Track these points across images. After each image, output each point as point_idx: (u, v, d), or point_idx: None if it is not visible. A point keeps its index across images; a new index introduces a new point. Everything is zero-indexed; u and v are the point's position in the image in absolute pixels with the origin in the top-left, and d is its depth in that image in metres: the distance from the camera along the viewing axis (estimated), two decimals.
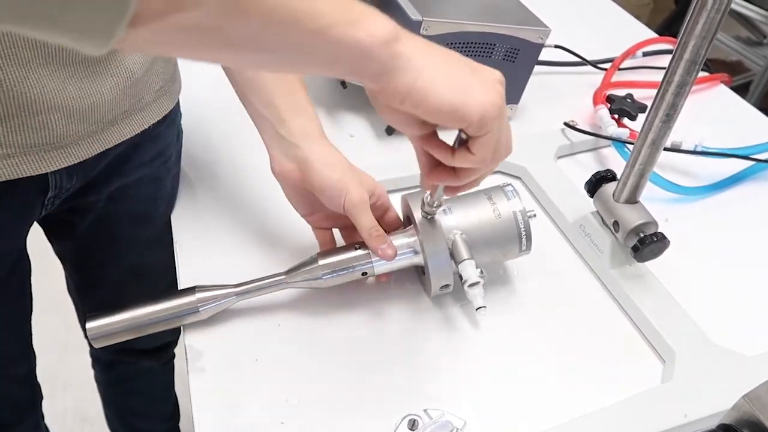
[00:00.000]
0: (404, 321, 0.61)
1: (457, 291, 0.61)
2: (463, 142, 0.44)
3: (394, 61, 0.38)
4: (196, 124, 0.79)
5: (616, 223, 0.62)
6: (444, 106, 0.40)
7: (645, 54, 0.96)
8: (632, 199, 0.62)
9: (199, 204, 0.71)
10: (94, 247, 0.71)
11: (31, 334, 0.69)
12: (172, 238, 0.67)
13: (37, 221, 0.69)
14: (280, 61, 0.37)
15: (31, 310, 0.67)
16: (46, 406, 0.80)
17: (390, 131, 0.83)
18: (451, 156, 0.45)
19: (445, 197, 0.57)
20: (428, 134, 0.45)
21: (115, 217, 0.68)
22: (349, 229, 0.60)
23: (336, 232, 0.63)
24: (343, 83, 0.81)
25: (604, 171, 0.65)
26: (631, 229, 0.60)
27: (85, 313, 0.83)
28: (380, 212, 0.60)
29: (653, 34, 1.08)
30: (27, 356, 0.69)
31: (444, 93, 0.40)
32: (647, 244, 0.59)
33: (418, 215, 0.56)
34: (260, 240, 0.67)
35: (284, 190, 0.60)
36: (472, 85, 0.42)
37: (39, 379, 0.75)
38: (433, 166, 0.48)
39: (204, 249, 0.66)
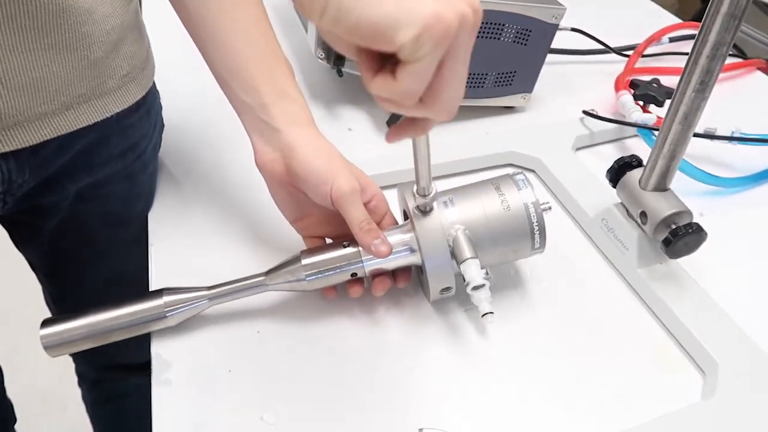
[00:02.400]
0: (400, 328, 0.53)
1: (462, 294, 0.54)
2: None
3: None
4: (177, 117, 0.74)
5: (643, 214, 0.54)
6: (366, 21, 0.31)
7: (672, 40, 0.88)
8: (662, 186, 0.54)
9: (179, 203, 0.65)
10: (66, 252, 0.65)
11: None
12: None
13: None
14: None
15: None
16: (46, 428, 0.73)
17: (391, 123, 0.77)
18: (371, 78, 0.35)
19: (441, 189, 0.50)
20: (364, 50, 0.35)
21: (86, 218, 0.62)
22: (342, 238, 0.53)
23: None
24: (339, 71, 0.75)
25: (629, 157, 0.58)
26: (662, 220, 0.52)
27: None
28: (376, 218, 0.52)
29: (676, 20, 1.00)
30: None
31: (370, 5, 0.31)
32: (681, 236, 0.50)
33: (412, 203, 0.49)
34: (245, 244, 0.60)
35: (269, 188, 0.54)
36: None
37: (35, 399, 0.68)
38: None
39: (182, 252, 0.59)
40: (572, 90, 0.84)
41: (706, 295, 0.54)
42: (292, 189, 0.52)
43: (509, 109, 0.80)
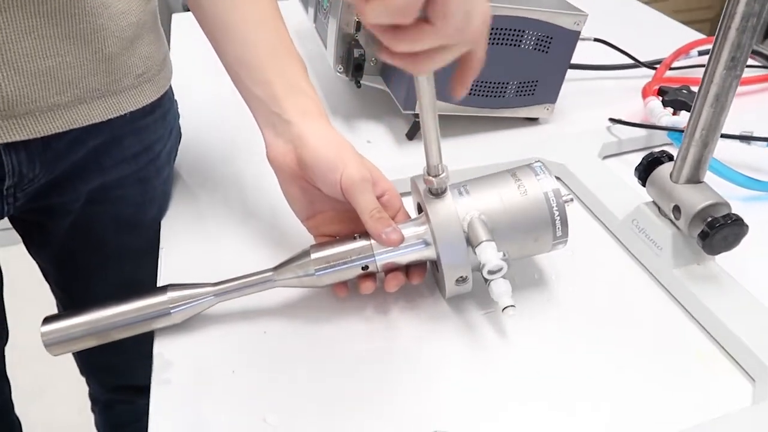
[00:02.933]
0: (415, 329, 0.50)
1: (482, 297, 0.50)
2: None
3: None
4: (195, 128, 0.74)
5: (676, 209, 0.50)
6: None
7: (701, 53, 0.86)
8: (695, 178, 0.50)
9: (193, 210, 0.64)
10: (77, 257, 0.64)
11: (3, 361, 0.62)
12: None
13: (11, 224, 0.63)
14: None
15: (5, 332, 0.60)
16: None
17: (411, 135, 0.75)
18: (364, 5, 0.32)
19: (457, 181, 0.48)
20: None
21: (98, 222, 0.61)
22: None
23: None
24: (357, 83, 0.74)
25: (658, 152, 0.54)
26: (697, 213, 0.48)
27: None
28: (389, 213, 0.50)
29: (700, 35, 0.97)
30: None
31: None
32: (718, 228, 0.46)
33: (423, 187, 0.47)
34: (257, 249, 0.58)
35: (281, 184, 0.53)
36: None
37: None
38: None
39: (193, 257, 0.58)
40: (597, 103, 0.81)
41: (749, 295, 0.49)
42: (303, 183, 0.51)
43: (533, 121, 0.78)
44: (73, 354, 0.80)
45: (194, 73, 0.81)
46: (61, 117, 0.49)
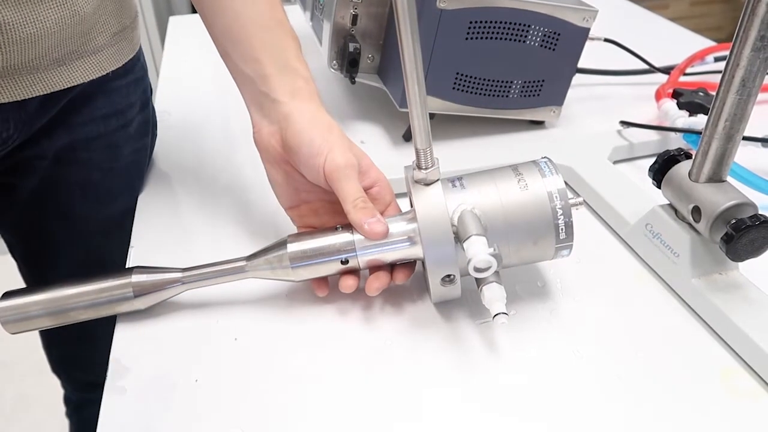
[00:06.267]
0: (402, 337, 0.45)
1: (476, 306, 0.45)
2: None
3: None
4: (181, 126, 0.70)
5: (696, 211, 0.45)
6: None
7: (717, 59, 0.81)
8: (717, 176, 0.45)
9: (170, 194, 0.60)
10: (43, 227, 0.61)
11: None
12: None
13: None
14: None
15: None
16: None
17: (408, 137, 0.71)
18: None
19: (456, 174, 0.43)
20: None
21: (64, 186, 0.58)
22: None
23: None
24: (352, 79, 0.70)
25: (675, 150, 0.50)
26: (719, 215, 0.43)
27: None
28: (378, 207, 0.46)
29: (711, 43, 0.93)
30: None
31: None
32: (744, 230, 0.41)
33: (410, 176, 0.42)
34: (239, 240, 0.54)
35: (266, 168, 0.49)
36: None
37: None
38: None
39: (166, 243, 0.54)
40: (606, 109, 0.77)
41: None
42: (287, 168, 0.47)
43: (538, 125, 0.73)
44: (44, 348, 0.75)
45: (187, 74, 0.78)
46: (41, 80, 0.48)
